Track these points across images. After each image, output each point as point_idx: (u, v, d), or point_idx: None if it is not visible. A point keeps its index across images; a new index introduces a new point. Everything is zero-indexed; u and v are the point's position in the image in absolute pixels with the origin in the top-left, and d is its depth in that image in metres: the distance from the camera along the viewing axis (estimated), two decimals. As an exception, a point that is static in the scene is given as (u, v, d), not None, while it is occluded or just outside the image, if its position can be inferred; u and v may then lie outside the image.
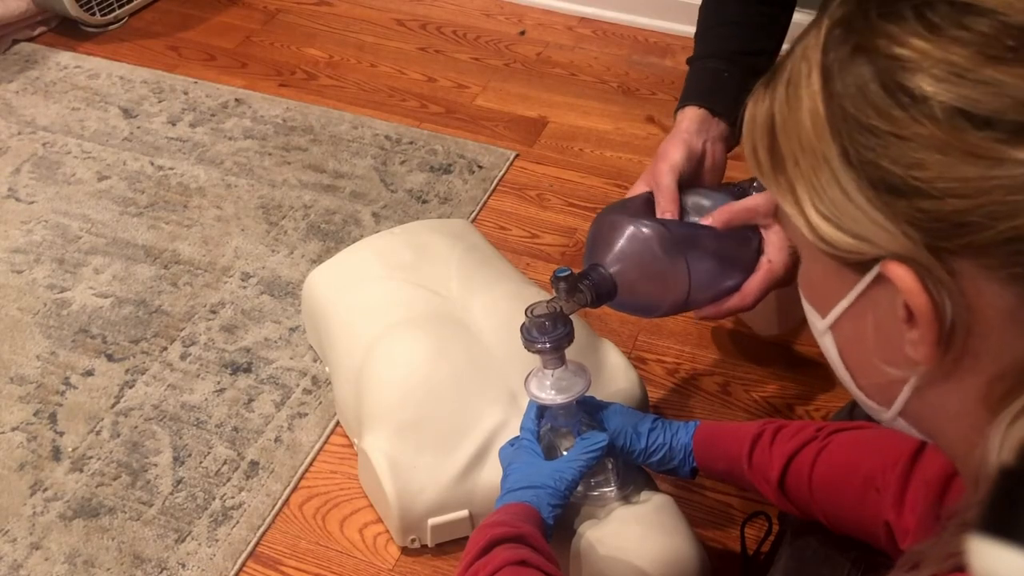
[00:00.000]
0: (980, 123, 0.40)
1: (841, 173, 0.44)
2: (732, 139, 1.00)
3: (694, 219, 0.94)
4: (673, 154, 0.96)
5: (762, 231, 0.93)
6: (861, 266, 0.46)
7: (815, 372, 1.25)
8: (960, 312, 0.43)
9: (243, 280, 1.39)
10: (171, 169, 1.60)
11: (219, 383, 1.24)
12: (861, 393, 0.53)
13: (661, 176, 0.95)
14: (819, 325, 0.51)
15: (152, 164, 1.61)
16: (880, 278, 0.45)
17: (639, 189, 0.98)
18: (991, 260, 0.41)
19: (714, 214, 0.93)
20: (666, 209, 0.94)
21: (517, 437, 0.95)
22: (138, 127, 1.69)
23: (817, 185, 0.46)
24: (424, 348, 1.06)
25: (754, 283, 0.92)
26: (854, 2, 0.46)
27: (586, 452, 0.88)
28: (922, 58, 0.41)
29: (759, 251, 0.93)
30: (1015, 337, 0.42)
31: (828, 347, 0.52)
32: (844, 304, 0.48)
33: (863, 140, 0.43)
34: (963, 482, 0.46)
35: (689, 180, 0.97)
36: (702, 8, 1.09)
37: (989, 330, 0.43)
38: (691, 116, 1.00)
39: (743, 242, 0.94)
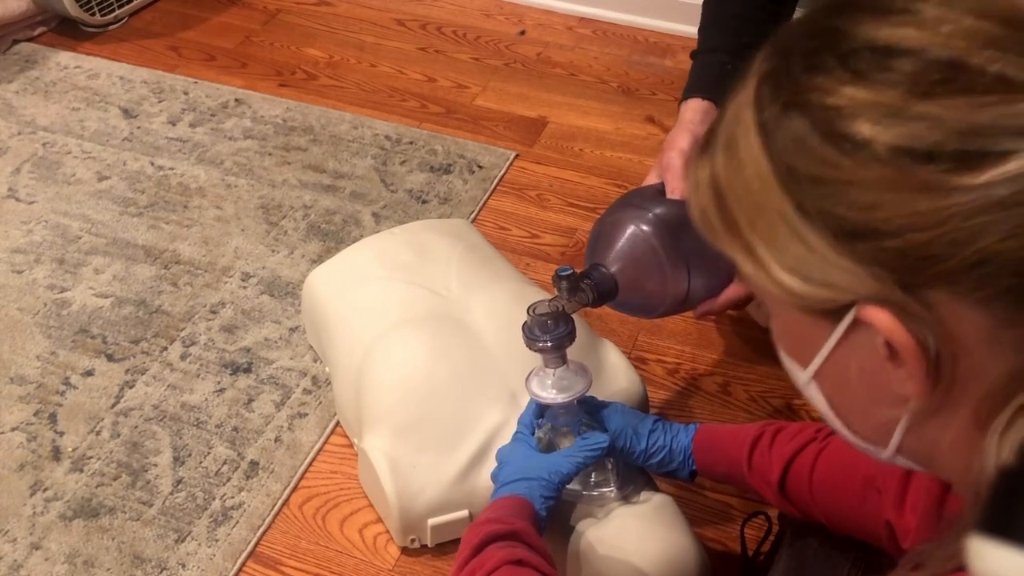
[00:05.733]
0: (923, 158, 0.40)
1: (799, 227, 0.44)
2: None
3: None
4: (680, 142, 0.96)
5: None
6: (835, 313, 0.45)
7: (815, 372, 1.24)
8: (943, 341, 0.43)
9: (243, 280, 1.39)
10: (171, 169, 1.60)
11: (219, 383, 1.24)
12: (856, 437, 0.52)
13: (670, 160, 0.95)
14: (801, 377, 0.51)
15: (152, 164, 1.61)
16: (857, 322, 0.45)
17: (651, 181, 0.99)
18: (962, 286, 0.41)
19: None
20: (676, 188, 0.94)
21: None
22: (138, 127, 1.69)
23: (777, 242, 0.45)
24: (424, 348, 1.06)
25: None
26: (778, 58, 0.46)
27: (585, 450, 0.88)
28: (855, 104, 0.41)
29: None
30: (997, 356, 0.42)
31: (814, 396, 0.52)
32: (824, 353, 0.47)
33: (815, 191, 0.43)
34: (963, 500, 0.46)
35: None
36: (705, 2, 1.10)
37: (972, 353, 0.43)
38: (695, 107, 1.00)
39: None
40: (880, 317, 0.43)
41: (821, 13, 0.45)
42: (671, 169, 0.95)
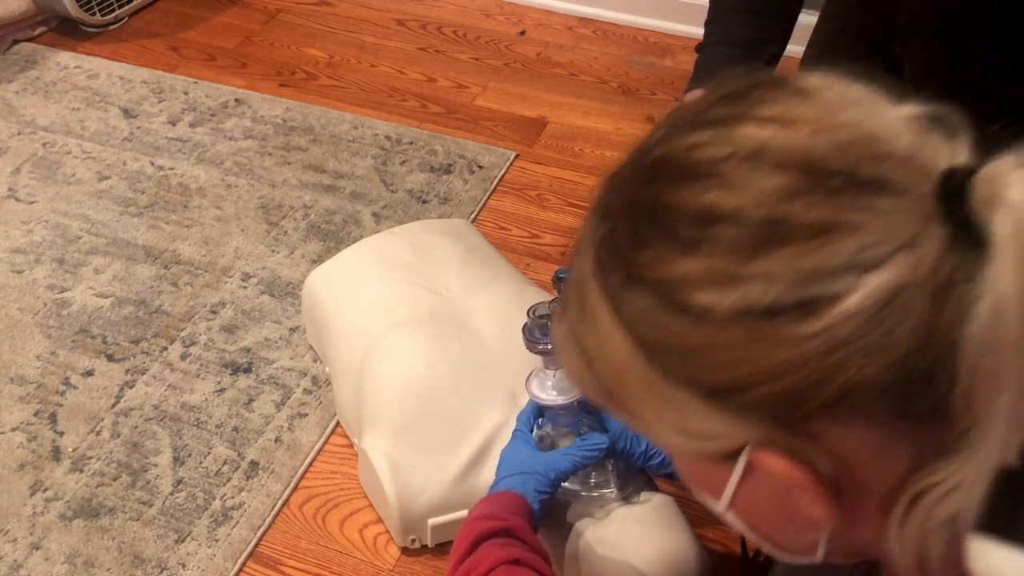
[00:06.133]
0: (766, 314, 0.41)
1: (669, 392, 0.45)
2: None
3: None
4: None
5: None
6: (729, 456, 0.46)
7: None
8: (837, 464, 0.43)
9: (243, 280, 1.39)
10: (171, 169, 1.60)
11: (219, 383, 1.24)
12: (783, 552, 0.53)
13: None
14: (716, 507, 0.51)
15: (152, 164, 1.61)
16: (751, 464, 0.46)
17: None
18: (837, 415, 0.42)
19: None
20: None
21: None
22: (138, 127, 1.69)
23: (653, 407, 0.46)
24: (424, 348, 1.06)
25: None
26: (608, 226, 0.47)
27: (583, 450, 0.88)
28: (690, 276, 0.42)
29: None
30: (888, 461, 0.43)
31: (734, 523, 0.52)
32: (731, 490, 0.48)
33: (674, 360, 0.44)
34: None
35: None
36: None
37: (867, 466, 0.44)
38: None
39: None
40: (769, 460, 0.44)
41: (636, 184, 0.46)
42: None
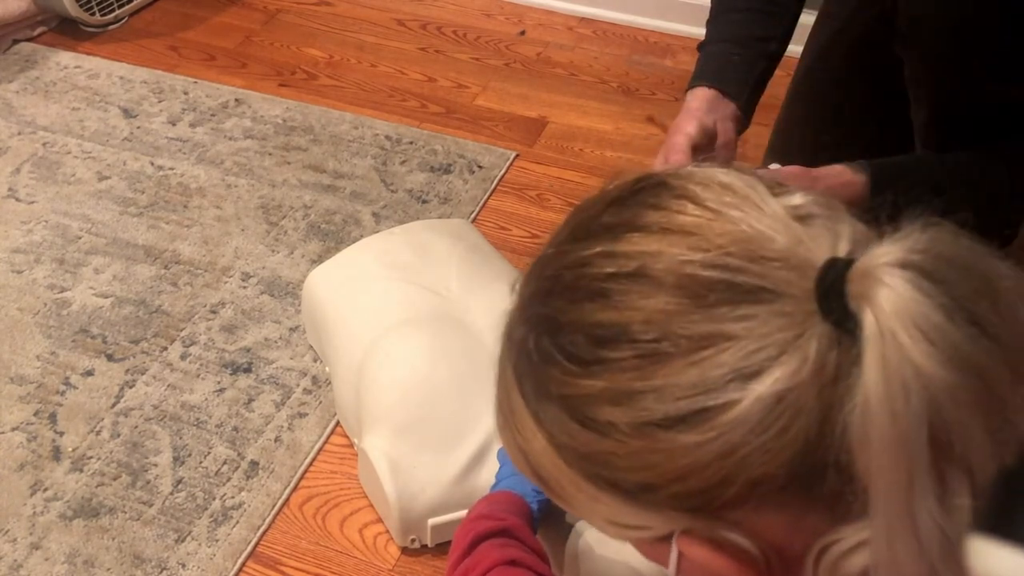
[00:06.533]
0: (661, 426, 0.42)
1: (593, 492, 0.47)
2: (742, 120, 1.01)
3: None
4: (687, 127, 0.96)
5: None
6: (663, 539, 0.48)
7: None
8: (761, 542, 0.45)
9: (243, 280, 1.39)
10: (171, 169, 1.60)
11: (219, 383, 1.24)
12: None
13: (676, 142, 0.95)
14: (667, 573, 0.54)
15: (152, 164, 1.61)
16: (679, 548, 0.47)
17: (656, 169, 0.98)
18: (750, 504, 0.43)
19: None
20: (675, 161, 0.94)
21: None
22: (138, 127, 1.69)
23: (583, 501, 0.49)
24: (424, 348, 1.06)
25: None
26: (520, 336, 0.49)
27: None
28: (591, 393, 0.44)
29: None
30: (805, 531, 0.44)
31: None
32: (672, 564, 0.50)
33: (590, 464, 0.46)
34: None
35: (702, 154, 0.97)
36: None
37: (787, 538, 0.45)
38: (701, 96, 1.00)
39: None
40: (692, 549, 0.46)
41: (539, 295, 0.48)
42: (673, 147, 0.95)
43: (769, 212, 0.44)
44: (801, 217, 0.43)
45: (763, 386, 0.40)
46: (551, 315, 0.47)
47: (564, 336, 0.46)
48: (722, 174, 0.46)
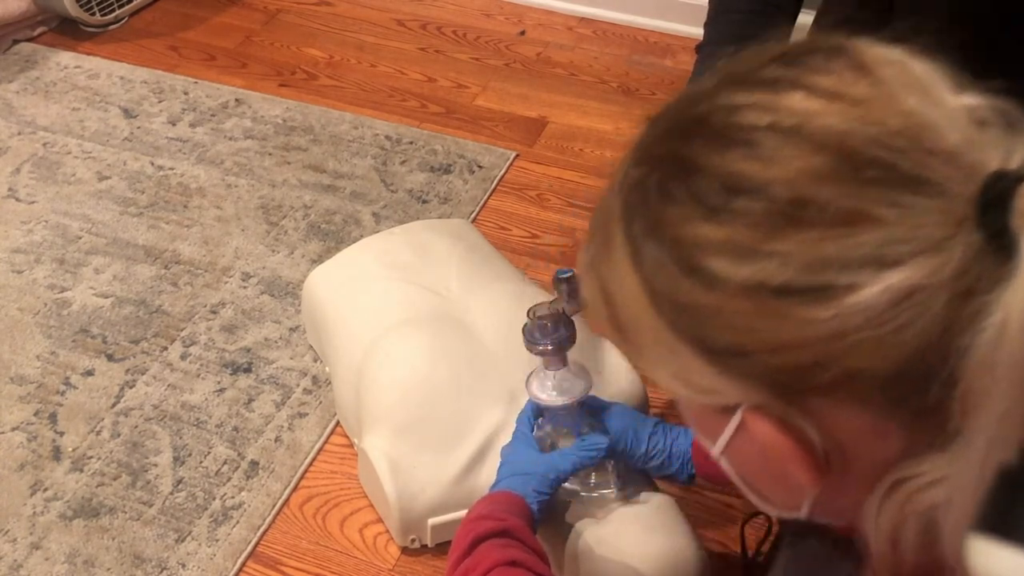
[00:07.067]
0: (777, 292, 0.41)
1: (675, 345, 0.45)
2: None
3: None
4: None
5: None
6: (727, 409, 0.46)
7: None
8: (827, 439, 0.44)
9: (243, 280, 1.39)
10: (171, 169, 1.60)
11: (219, 383, 1.24)
12: (768, 505, 0.53)
13: None
14: (712, 450, 0.52)
15: (152, 164, 1.61)
16: (744, 421, 0.46)
17: None
18: (837, 397, 0.42)
19: None
20: None
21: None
22: (138, 127, 1.69)
23: (659, 353, 0.47)
24: (424, 348, 1.06)
25: None
26: (641, 172, 0.47)
27: (583, 450, 0.88)
28: (707, 241, 0.42)
29: None
30: (879, 444, 0.43)
31: (726, 469, 0.53)
32: (725, 438, 0.48)
33: (682, 316, 0.44)
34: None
35: None
36: None
37: (857, 443, 0.44)
38: None
39: None
40: (759, 425, 0.44)
41: (675, 135, 0.46)
42: None
43: (947, 106, 0.42)
44: (978, 120, 0.41)
45: (896, 277, 0.38)
46: (687, 156, 0.44)
47: (697, 179, 0.43)
48: (905, 55, 0.44)
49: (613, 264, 0.47)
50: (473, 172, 1.60)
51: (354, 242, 1.30)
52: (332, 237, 1.46)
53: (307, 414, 1.20)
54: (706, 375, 0.45)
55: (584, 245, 0.51)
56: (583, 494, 0.94)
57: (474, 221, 1.50)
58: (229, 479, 1.13)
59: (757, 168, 0.42)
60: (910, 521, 0.43)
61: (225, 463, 1.14)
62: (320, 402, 1.22)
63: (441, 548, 1.04)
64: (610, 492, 0.94)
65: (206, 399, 1.22)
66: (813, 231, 0.40)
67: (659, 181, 0.45)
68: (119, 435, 1.17)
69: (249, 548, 1.06)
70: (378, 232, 1.34)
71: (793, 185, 0.41)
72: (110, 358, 1.27)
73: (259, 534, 1.07)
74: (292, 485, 1.12)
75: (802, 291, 0.40)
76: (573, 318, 0.89)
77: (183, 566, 1.04)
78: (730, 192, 0.42)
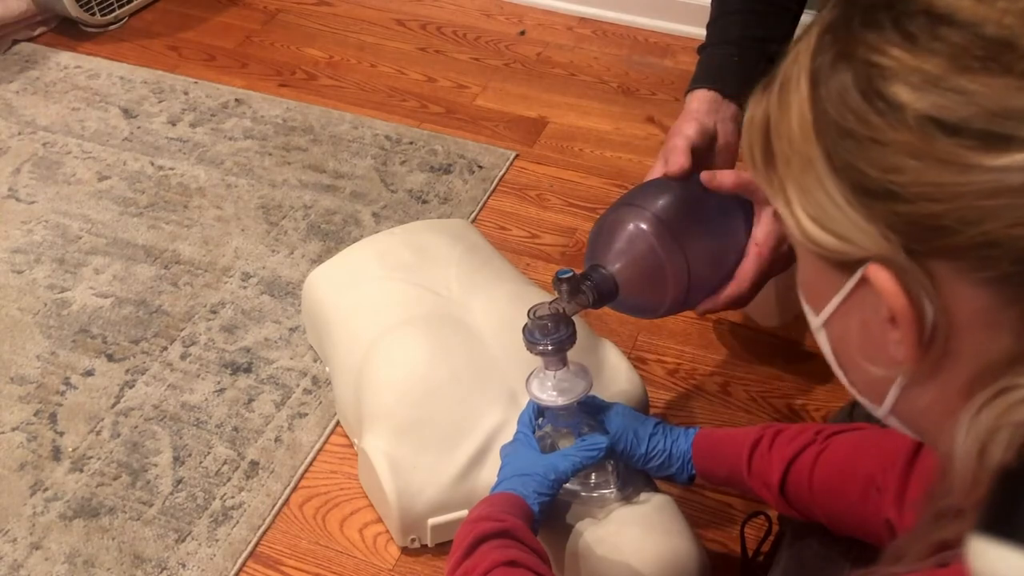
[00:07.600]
0: (950, 130, 0.40)
1: (824, 176, 0.46)
2: (742, 122, 1.01)
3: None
4: (686, 129, 0.96)
5: (756, 210, 0.93)
6: (847, 267, 0.47)
7: (815, 372, 1.25)
8: (940, 313, 0.44)
9: (243, 280, 1.39)
10: (171, 169, 1.60)
11: (219, 383, 1.24)
12: (854, 389, 0.54)
13: (675, 144, 0.95)
14: (814, 322, 0.53)
15: (152, 164, 1.61)
16: (865, 280, 0.46)
17: (656, 172, 0.98)
18: (965, 263, 0.42)
19: (716, 173, 0.92)
20: (675, 162, 0.93)
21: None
22: (138, 127, 1.69)
23: (804, 186, 0.47)
24: (424, 348, 1.06)
25: (746, 268, 0.93)
26: (841, 9, 0.47)
27: (583, 451, 0.88)
28: (899, 66, 0.42)
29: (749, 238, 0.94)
30: (989, 337, 0.43)
31: (823, 343, 0.54)
32: (835, 303, 0.49)
33: (844, 144, 0.44)
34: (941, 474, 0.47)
35: (702, 157, 0.97)
36: None
37: (967, 330, 0.44)
38: (701, 97, 1.00)
39: (734, 231, 0.94)
40: (884, 279, 0.44)
41: None
42: (673, 149, 0.95)
43: None
44: None
45: None
46: None
47: (904, 7, 0.43)
48: None
49: (786, 96, 0.48)
50: (473, 172, 1.60)
51: (354, 242, 1.30)
52: (332, 237, 1.46)
53: (307, 414, 1.20)
54: (844, 216, 0.45)
55: (754, 95, 0.52)
56: (583, 494, 0.94)
57: (474, 221, 1.50)
58: (229, 479, 1.13)
59: (967, 5, 0.41)
60: (1001, 434, 0.42)
61: (225, 463, 1.14)
62: (320, 402, 1.22)
63: (441, 548, 1.04)
64: (610, 492, 0.94)
65: (206, 399, 1.22)
66: (1008, 77, 0.40)
67: (865, 9, 0.45)
68: (119, 435, 1.17)
69: (249, 548, 1.06)
70: (378, 232, 1.34)
71: (1003, 26, 0.40)
72: (110, 358, 1.27)
73: (259, 534, 1.08)
74: (292, 485, 1.12)
75: (975, 134, 0.40)
76: (573, 318, 0.89)
77: (183, 566, 1.04)
78: (935, 22, 0.42)
